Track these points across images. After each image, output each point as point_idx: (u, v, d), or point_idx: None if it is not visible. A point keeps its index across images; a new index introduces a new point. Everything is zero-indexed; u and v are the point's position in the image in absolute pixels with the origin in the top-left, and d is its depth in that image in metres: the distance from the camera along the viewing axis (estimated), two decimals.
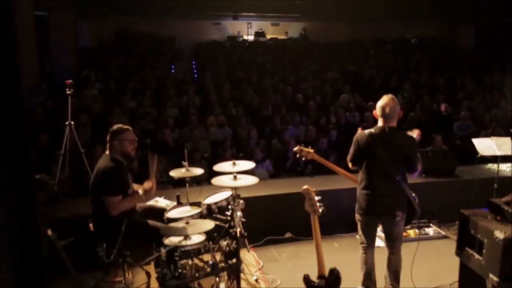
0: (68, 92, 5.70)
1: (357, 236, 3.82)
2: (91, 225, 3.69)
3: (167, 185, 6.02)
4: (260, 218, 5.28)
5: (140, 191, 3.73)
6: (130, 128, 3.82)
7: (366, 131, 3.57)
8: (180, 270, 3.29)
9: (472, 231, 3.33)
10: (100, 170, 3.63)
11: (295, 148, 4.13)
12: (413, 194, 3.55)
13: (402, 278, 3.73)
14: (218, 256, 3.87)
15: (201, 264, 4.06)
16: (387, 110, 3.48)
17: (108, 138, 3.74)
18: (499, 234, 2.98)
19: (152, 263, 3.50)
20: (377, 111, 3.55)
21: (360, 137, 3.57)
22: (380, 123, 3.56)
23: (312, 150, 4.06)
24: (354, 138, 3.63)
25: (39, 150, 6.57)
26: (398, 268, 3.66)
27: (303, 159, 4.16)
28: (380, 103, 3.54)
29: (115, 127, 3.78)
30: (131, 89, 10.21)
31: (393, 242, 3.63)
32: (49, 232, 3.57)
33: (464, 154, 7.38)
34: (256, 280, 4.17)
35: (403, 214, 3.54)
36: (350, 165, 3.71)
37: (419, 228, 5.24)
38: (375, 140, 3.46)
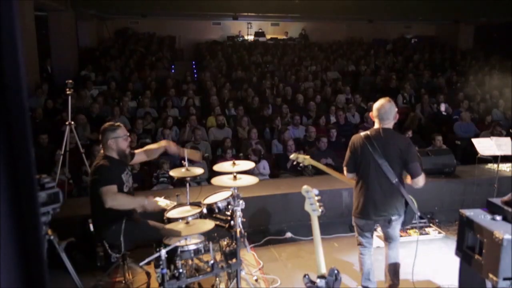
0: (68, 92, 5.71)
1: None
2: (91, 225, 3.70)
3: (167, 185, 6.03)
4: (260, 218, 5.30)
5: (164, 143, 4.06)
6: (121, 125, 3.80)
7: (362, 133, 3.55)
8: (180, 270, 3.30)
9: (471, 231, 3.33)
10: (93, 168, 3.65)
11: (291, 156, 4.10)
12: (410, 197, 3.54)
13: (402, 278, 3.73)
14: (218, 256, 3.87)
15: (201, 264, 4.05)
16: (383, 111, 3.48)
17: (101, 138, 3.73)
18: (499, 234, 2.98)
19: (152, 263, 3.49)
20: (373, 113, 3.55)
21: (356, 140, 3.56)
22: (376, 124, 3.55)
23: (308, 156, 4.04)
24: (350, 141, 3.62)
25: (39, 150, 6.57)
26: (397, 263, 3.65)
27: (301, 165, 4.15)
28: (376, 105, 3.53)
29: (106, 125, 3.75)
30: (131, 89, 10.21)
31: (390, 240, 3.64)
32: (49, 232, 3.57)
33: (464, 154, 7.40)
34: (256, 280, 4.17)
35: (399, 218, 3.52)
36: (345, 170, 3.65)
37: (419, 228, 5.25)
38: (371, 142, 3.45)
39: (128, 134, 3.86)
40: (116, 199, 3.45)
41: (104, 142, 3.69)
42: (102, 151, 3.74)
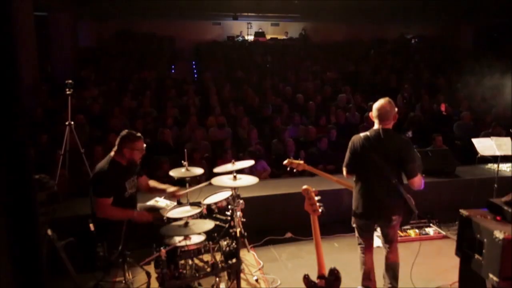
0: (68, 92, 5.71)
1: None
2: (91, 225, 3.70)
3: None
4: (260, 218, 5.29)
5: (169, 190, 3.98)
6: (142, 137, 3.79)
7: (362, 134, 3.56)
8: (180, 270, 3.30)
9: (472, 231, 3.33)
10: (95, 171, 3.65)
11: (285, 162, 4.06)
12: (408, 195, 3.53)
13: (402, 278, 3.73)
14: (218, 256, 3.87)
15: (201, 264, 4.06)
16: (383, 111, 3.48)
17: (117, 142, 3.72)
18: (499, 234, 2.98)
19: (152, 263, 3.50)
20: (373, 113, 3.55)
21: (356, 140, 3.56)
22: (375, 125, 3.55)
23: (302, 162, 4.02)
24: (350, 141, 3.62)
25: (39, 150, 6.57)
26: (396, 266, 3.65)
27: (294, 171, 4.14)
28: (375, 105, 3.54)
29: (127, 133, 3.74)
30: (131, 89, 10.21)
31: (389, 243, 3.63)
32: (49, 232, 3.57)
33: (464, 154, 7.39)
34: (256, 280, 4.17)
35: (398, 218, 3.52)
36: (344, 171, 3.65)
37: (419, 228, 5.25)
38: (371, 143, 3.45)
39: (145, 146, 3.82)
40: (106, 213, 3.57)
41: (119, 147, 3.68)
42: (112, 153, 3.73)
